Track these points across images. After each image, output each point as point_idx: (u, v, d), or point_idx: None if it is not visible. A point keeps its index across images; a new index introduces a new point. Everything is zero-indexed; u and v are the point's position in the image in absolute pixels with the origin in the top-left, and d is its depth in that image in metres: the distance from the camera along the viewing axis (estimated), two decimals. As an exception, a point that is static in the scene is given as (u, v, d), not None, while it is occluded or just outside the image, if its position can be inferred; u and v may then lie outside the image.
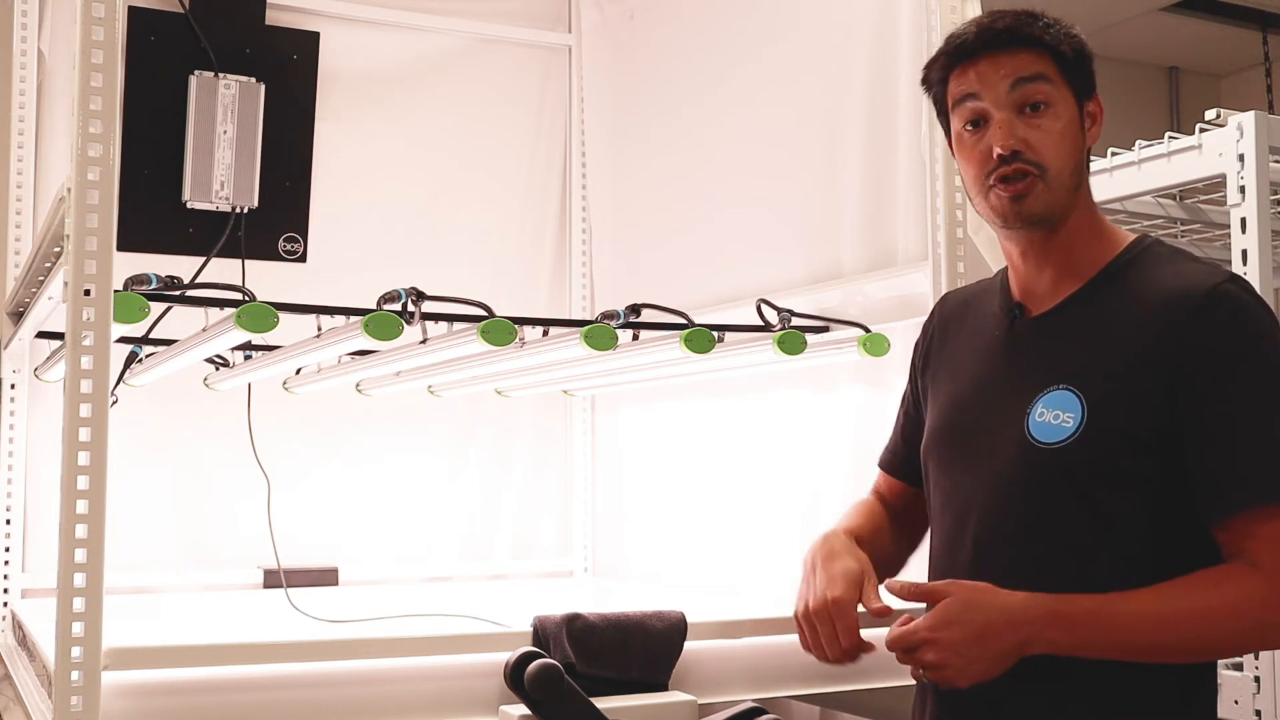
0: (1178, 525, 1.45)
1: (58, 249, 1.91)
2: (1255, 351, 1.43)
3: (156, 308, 1.94)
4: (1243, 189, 2.10)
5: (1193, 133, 2.21)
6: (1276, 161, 2.19)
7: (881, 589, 1.60)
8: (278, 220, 3.11)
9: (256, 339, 2.28)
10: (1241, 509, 1.41)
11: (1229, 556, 1.43)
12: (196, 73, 2.97)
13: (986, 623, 1.44)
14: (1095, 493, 1.47)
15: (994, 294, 1.67)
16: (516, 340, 2.09)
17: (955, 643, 1.45)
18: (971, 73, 1.55)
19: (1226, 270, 1.49)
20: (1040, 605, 1.44)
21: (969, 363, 1.67)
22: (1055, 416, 1.50)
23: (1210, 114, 2.20)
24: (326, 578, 3.05)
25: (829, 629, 1.58)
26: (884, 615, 1.56)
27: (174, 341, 2.38)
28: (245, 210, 3.01)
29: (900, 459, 1.80)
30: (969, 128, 1.56)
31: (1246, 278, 2.04)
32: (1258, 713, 2.03)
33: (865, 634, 1.58)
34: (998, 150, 1.51)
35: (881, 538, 1.76)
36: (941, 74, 1.59)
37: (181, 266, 2.71)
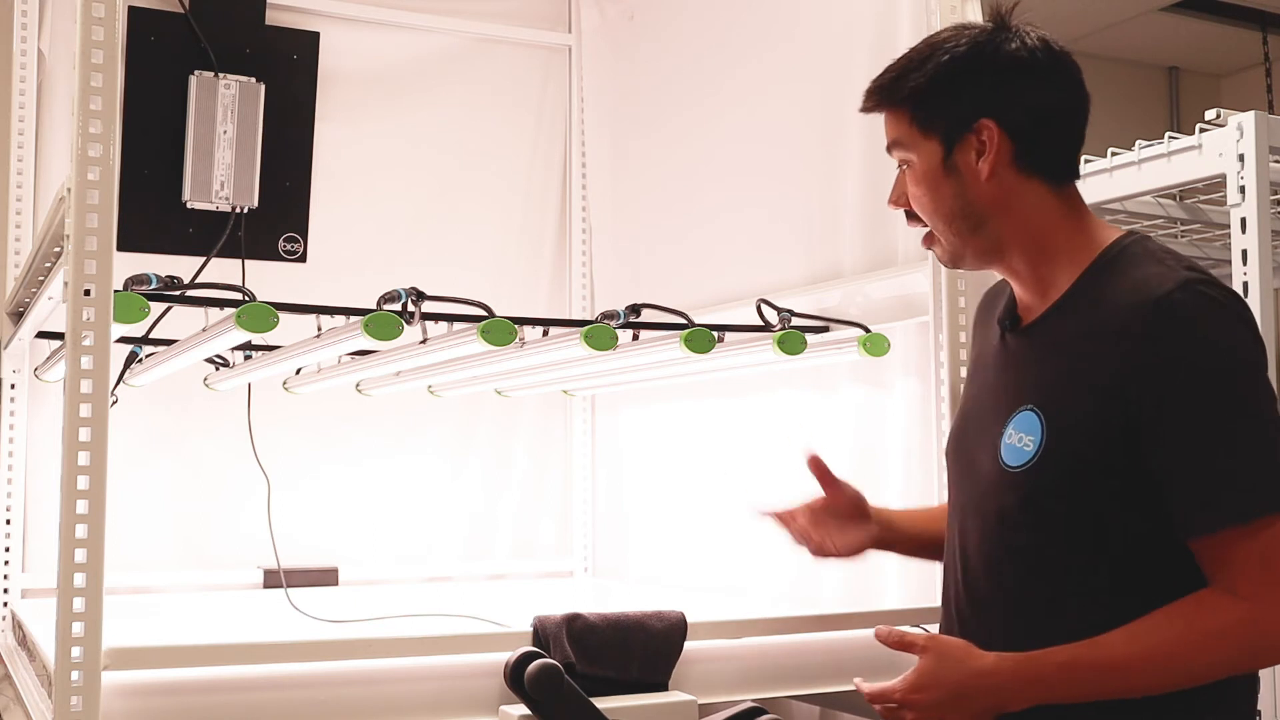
0: (1150, 544, 1.41)
1: (58, 249, 1.91)
2: (1204, 362, 1.37)
3: (156, 308, 1.93)
4: (1243, 189, 2.09)
5: (1193, 133, 2.21)
6: (1276, 161, 2.19)
7: (868, 632, 1.63)
8: (278, 220, 3.11)
9: (256, 339, 2.28)
10: (1209, 531, 1.36)
11: (1206, 574, 1.39)
12: (196, 73, 2.97)
13: (959, 685, 1.45)
14: (1056, 517, 1.45)
15: (1003, 298, 1.65)
16: (516, 340, 2.09)
17: (931, 704, 1.47)
18: None
19: (1183, 273, 1.41)
20: (1009, 670, 1.44)
21: (975, 372, 1.68)
22: (1019, 440, 1.48)
23: (1210, 114, 2.20)
24: (326, 578, 3.04)
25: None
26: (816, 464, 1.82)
27: (174, 341, 2.38)
28: (245, 210, 3.01)
29: None
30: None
31: (1246, 278, 2.04)
32: (1258, 713, 2.03)
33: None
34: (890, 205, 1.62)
35: (920, 515, 1.90)
36: None
37: (181, 266, 2.71)
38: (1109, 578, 1.44)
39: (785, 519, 1.89)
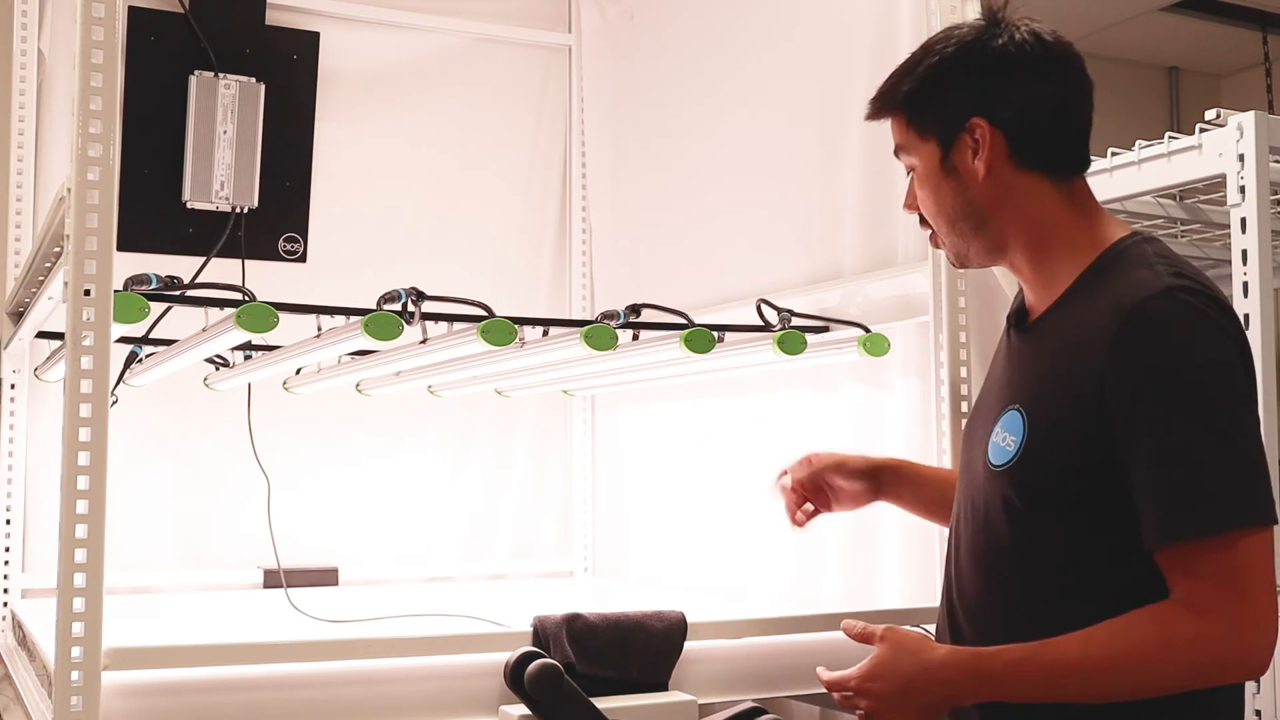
0: (1128, 551, 1.39)
1: (58, 249, 1.91)
2: (1177, 370, 1.34)
3: (156, 308, 1.93)
4: (1243, 189, 2.09)
5: (1193, 133, 2.21)
6: (1276, 161, 2.19)
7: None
8: (278, 220, 3.11)
9: (256, 339, 2.28)
10: (1170, 542, 1.35)
11: (1168, 584, 1.37)
12: (196, 73, 2.97)
13: (910, 677, 1.48)
14: (1032, 518, 1.45)
15: (1019, 295, 1.65)
16: (516, 340, 2.09)
17: (883, 694, 1.50)
18: None
19: (1168, 279, 1.39)
20: (959, 664, 1.46)
21: (990, 368, 1.68)
22: (1003, 439, 1.49)
23: (1210, 114, 2.19)
24: (326, 578, 3.04)
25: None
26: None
27: (174, 341, 2.38)
28: (245, 210, 3.01)
29: None
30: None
31: (1246, 278, 2.04)
32: (1258, 713, 2.03)
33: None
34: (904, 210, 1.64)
35: (927, 473, 1.93)
36: None
37: (181, 266, 2.71)
38: (1086, 582, 1.43)
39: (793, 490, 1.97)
